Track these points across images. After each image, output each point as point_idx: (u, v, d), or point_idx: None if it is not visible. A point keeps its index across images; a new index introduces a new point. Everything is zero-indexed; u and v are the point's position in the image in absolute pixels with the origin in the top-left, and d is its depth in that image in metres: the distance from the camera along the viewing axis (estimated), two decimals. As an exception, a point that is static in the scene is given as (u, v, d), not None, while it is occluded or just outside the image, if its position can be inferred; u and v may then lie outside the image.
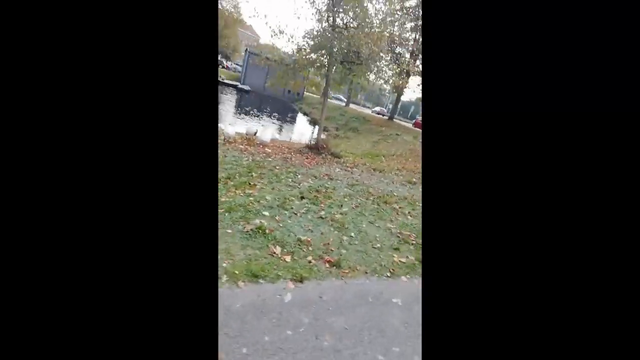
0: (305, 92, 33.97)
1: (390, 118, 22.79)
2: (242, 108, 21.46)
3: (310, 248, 3.26)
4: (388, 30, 20.27)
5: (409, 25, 20.43)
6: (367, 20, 8.27)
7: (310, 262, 2.99)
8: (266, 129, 9.52)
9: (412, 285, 3.04)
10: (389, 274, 3.12)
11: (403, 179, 7.49)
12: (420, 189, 6.87)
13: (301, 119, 24.55)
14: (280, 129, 17.66)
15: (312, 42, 8.37)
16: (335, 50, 8.07)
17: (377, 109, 33.59)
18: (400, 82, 20.60)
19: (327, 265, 3.02)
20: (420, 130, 20.24)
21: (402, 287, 2.97)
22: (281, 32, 8.30)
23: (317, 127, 21.70)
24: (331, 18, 8.18)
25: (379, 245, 3.69)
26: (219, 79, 29.18)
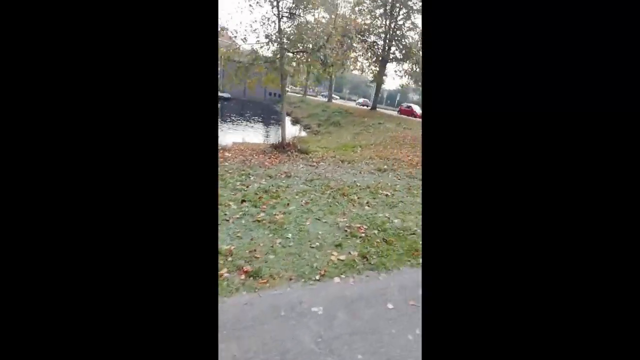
0: (287, 92, 33.57)
1: (373, 108, 22.31)
2: (222, 116, 21.06)
3: (229, 259, 2.82)
4: (360, 19, 20.04)
5: (378, 12, 19.99)
6: (312, 5, 7.85)
7: (221, 276, 2.56)
8: (226, 134, 9.02)
9: (343, 287, 2.60)
10: (318, 277, 2.69)
11: (373, 168, 7.05)
12: (390, 176, 6.45)
13: (287, 119, 24.07)
14: (266, 132, 17.25)
15: (255, 34, 7.95)
16: (280, 39, 7.66)
17: (361, 100, 33.17)
18: (377, 70, 20.24)
19: (243, 276, 2.59)
20: (405, 117, 19.83)
21: (330, 291, 2.54)
22: (222, 29, 7.86)
23: (298, 125, 21.33)
24: (275, 7, 7.75)
25: (318, 244, 3.26)
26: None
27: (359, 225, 3.77)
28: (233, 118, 20.62)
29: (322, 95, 37.84)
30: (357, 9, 20.23)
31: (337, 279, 2.70)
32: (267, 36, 7.93)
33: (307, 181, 5.51)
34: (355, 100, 36.49)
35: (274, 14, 8.02)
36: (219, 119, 19.51)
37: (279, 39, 7.92)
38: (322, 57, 7.77)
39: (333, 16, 8.42)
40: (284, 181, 5.39)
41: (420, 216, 4.29)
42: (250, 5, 7.89)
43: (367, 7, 20.15)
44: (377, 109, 23.21)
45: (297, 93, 38.03)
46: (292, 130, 19.37)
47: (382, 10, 19.79)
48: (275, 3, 7.84)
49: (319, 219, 3.88)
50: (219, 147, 7.86)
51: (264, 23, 7.95)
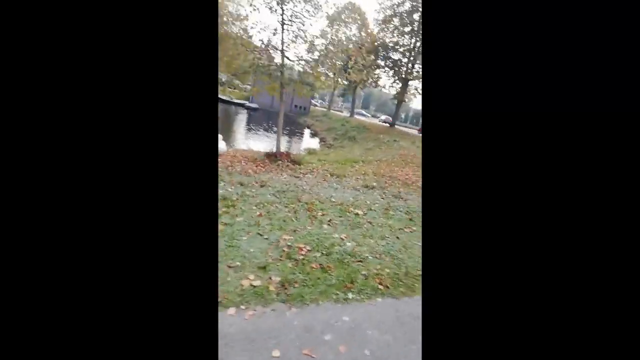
0: (316, 107, 33.65)
1: (392, 125, 21.77)
2: (248, 125, 21.35)
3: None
4: (387, 36, 19.81)
5: (406, 29, 19.69)
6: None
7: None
8: (234, 141, 8.70)
9: (233, 321, 2.12)
10: (210, 305, 2.23)
11: (361, 184, 6.53)
12: (374, 194, 5.92)
13: (307, 132, 24.03)
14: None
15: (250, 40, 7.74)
16: (282, 46, 7.42)
17: (384, 117, 32.73)
18: (398, 87, 19.81)
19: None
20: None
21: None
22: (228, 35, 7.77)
23: (316, 137, 21.09)
24: (277, 14, 7.55)
25: (239, 263, 2.81)
26: (228, 98, 29.51)
27: (302, 246, 3.29)
28: (252, 127, 20.72)
29: (357, 113, 37.85)
30: (384, 26, 20.08)
31: (232, 310, 2.23)
32: (263, 43, 7.73)
33: (278, 192, 5.08)
34: (378, 117, 36.06)
35: (278, 22, 7.83)
36: (245, 127, 19.71)
37: (279, 47, 7.71)
38: (314, 67, 7.48)
39: (333, 27, 8.13)
40: (252, 190, 4.99)
41: (382, 241, 3.77)
42: (249, 8, 7.71)
43: (395, 25, 19.92)
44: (398, 127, 22.64)
45: (324, 107, 38.12)
46: (308, 142, 19.23)
47: (409, 28, 19.46)
48: (279, 10, 7.63)
49: (261, 235, 3.44)
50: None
51: (261, 30, 7.76)
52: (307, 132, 24.28)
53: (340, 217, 4.37)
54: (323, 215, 4.32)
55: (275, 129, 21.38)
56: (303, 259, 3.05)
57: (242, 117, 24.12)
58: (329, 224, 4.04)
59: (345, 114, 32.58)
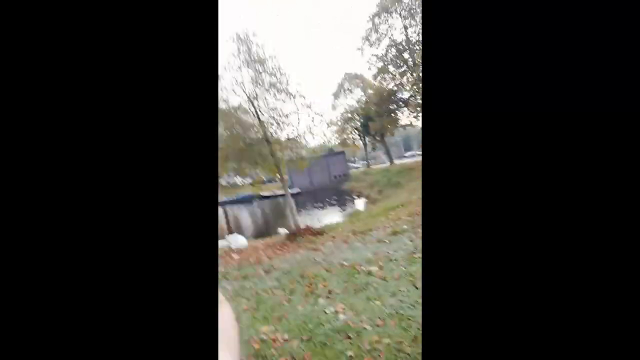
0: (353, 170, 33.64)
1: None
2: (298, 210, 21.49)
3: None
4: (391, 84, 20.16)
5: (402, 70, 20.14)
6: None
7: None
8: (236, 236, 8.39)
9: None
10: None
11: (389, 232, 5.68)
12: (402, 239, 5.08)
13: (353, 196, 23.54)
14: (319, 217, 16.80)
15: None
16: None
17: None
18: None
19: None
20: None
21: None
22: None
23: (362, 198, 20.41)
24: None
25: None
26: (271, 193, 30.36)
27: (278, 337, 2.56)
28: (300, 210, 20.81)
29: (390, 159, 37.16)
30: (382, 76, 20.65)
31: None
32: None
33: (282, 274, 4.46)
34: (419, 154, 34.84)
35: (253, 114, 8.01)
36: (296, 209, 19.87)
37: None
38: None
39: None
40: (252, 281, 4.43)
41: (392, 298, 2.90)
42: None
43: (391, 72, 20.45)
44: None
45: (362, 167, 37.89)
46: (356, 206, 18.57)
47: (404, 68, 19.77)
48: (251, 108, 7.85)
49: (235, 336, 2.79)
50: (233, 249, 7.36)
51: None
52: (355, 197, 23.76)
53: (345, 282, 3.56)
54: (324, 287, 3.56)
55: (318, 204, 21.27)
56: (273, 354, 2.32)
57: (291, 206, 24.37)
58: (328, 296, 3.26)
59: (384, 165, 32.00)
